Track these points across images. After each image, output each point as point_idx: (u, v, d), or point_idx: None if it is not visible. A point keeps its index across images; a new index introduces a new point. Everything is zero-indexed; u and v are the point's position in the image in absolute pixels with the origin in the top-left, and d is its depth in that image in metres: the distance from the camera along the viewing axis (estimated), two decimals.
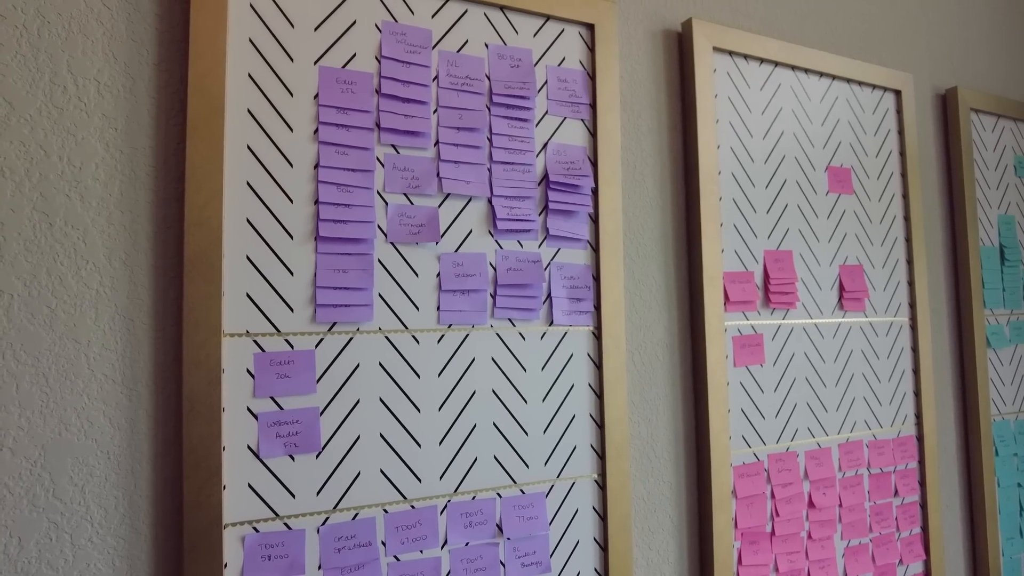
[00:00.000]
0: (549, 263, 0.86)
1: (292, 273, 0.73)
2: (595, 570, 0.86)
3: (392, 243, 0.78)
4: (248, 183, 0.72)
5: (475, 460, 0.80)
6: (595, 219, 0.90)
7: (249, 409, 0.70)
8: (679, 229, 1.00)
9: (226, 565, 0.68)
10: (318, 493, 0.72)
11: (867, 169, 1.20)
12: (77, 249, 0.66)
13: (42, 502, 0.64)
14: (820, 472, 1.07)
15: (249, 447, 0.70)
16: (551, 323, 0.86)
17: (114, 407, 0.67)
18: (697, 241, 0.99)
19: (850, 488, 1.10)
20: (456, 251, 0.81)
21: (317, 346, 0.73)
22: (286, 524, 0.70)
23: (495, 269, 0.83)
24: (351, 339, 0.75)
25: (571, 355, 0.87)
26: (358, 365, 0.75)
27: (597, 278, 0.89)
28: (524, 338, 0.84)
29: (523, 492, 0.82)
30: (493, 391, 0.82)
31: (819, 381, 1.09)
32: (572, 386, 0.87)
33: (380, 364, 0.76)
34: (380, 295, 0.77)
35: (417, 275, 0.79)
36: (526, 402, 0.84)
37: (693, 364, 0.99)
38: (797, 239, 1.10)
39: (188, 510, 0.66)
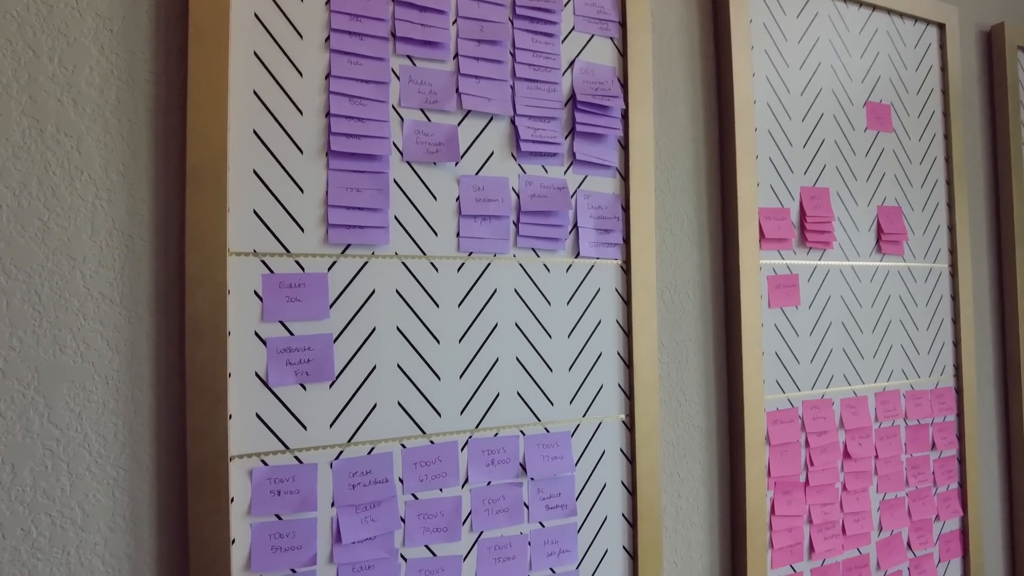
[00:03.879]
0: (576, 191, 0.80)
1: (302, 190, 0.67)
2: (623, 515, 0.82)
3: (408, 162, 0.72)
4: (255, 92, 0.66)
5: (497, 396, 0.75)
6: (624, 145, 0.84)
7: (257, 334, 0.65)
8: (712, 161, 0.94)
9: (232, 499, 0.63)
10: (331, 425, 0.67)
11: (907, 106, 1.13)
12: (71, 158, 0.61)
13: (36, 427, 0.59)
14: (856, 421, 1.01)
15: (257, 374, 0.65)
16: (577, 255, 0.80)
17: (112, 329, 0.62)
18: (732, 174, 0.93)
19: (886, 439, 1.04)
20: (477, 174, 0.75)
21: (330, 269, 0.68)
22: (297, 458, 0.66)
23: (518, 195, 0.77)
24: (366, 263, 0.69)
25: (598, 290, 0.82)
26: (373, 291, 0.70)
27: (626, 209, 0.83)
28: (548, 270, 0.79)
29: (547, 431, 0.78)
30: (516, 324, 0.77)
31: (855, 326, 1.04)
32: (599, 322, 0.81)
33: (397, 291, 0.71)
34: (396, 218, 0.71)
35: (435, 198, 0.73)
36: (551, 337, 0.78)
37: (726, 304, 0.93)
38: (834, 176, 1.04)
39: (192, 440, 0.61)
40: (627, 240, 0.83)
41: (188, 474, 0.61)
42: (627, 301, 0.83)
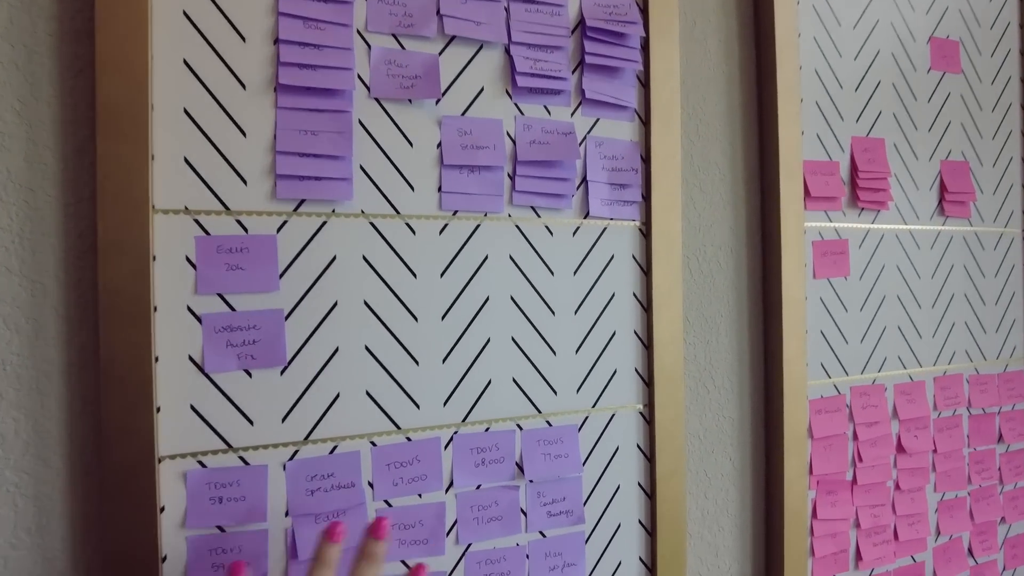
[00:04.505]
0: (585, 137, 0.67)
1: (244, 134, 0.55)
2: (640, 522, 0.69)
3: (377, 99, 0.59)
4: (185, 12, 0.53)
5: (488, 383, 0.63)
6: (645, 83, 0.70)
7: (190, 309, 0.53)
8: (749, 105, 0.79)
9: (163, 509, 0.52)
10: (284, 420, 0.56)
11: (979, 43, 0.96)
12: None
13: None
14: (911, 410, 0.87)
15: (191, 358, 0.53)
16: (586, 215, 0.67)
17: (11, 304, 0.50)
18: (772, 120, 0.78)
19: (946, 431, 0.90)
20: (463, 115, 0.62)
21: (279, 230, 0.56)
22: (242, 458, 0.54)
23: (514, 141, 0.63)
24: (324, 223, 0.57)
25: (612, 256, 0.68)
26: (334, 258, 0.57)
27: (647, 160, 0.70)
28: (552, 232, 0.65)
29: (550, 424, 0.65)
30: (512, 298, 0.64)
31: (912, 301, 0.89)
32: (612, 295, 0.68)
33: (364, 258, 0.58)
34: (362, 168, 0.58)
35: (411, 144, 0.60)
36: (554, 313, 0.66)
37: (764, 274, 0.79)
38: (891, 125, 0.88)
39: (110, 438, 0.50)
40: (647, 197, 0.69)
41: (106, 479, 0.50)
42: (647, 271, 0.70)
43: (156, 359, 0.52)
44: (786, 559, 0.77)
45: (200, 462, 0.53)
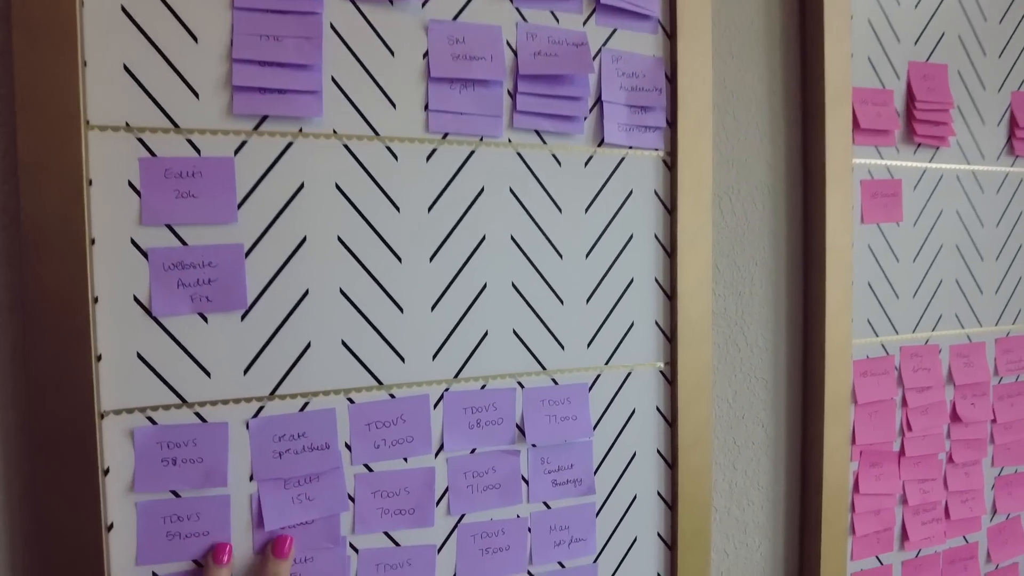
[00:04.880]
0: (600, 50, 0.57)
1: (195, 38, 0.47)
2: (658, 494, 0.62)
3: None
4: None
5: (485, 335, 0.55)
6: None
7: (135, 242, 0.46)
8: (792, 21, 0.68)
9: (108, 471, 0.45)
10: (246, 372, 0.48)
11: None
12: None
13: None
14: (969, 375, 0.78)
15: (137, 300, 0.46)
16: (601, 142, 0.58)
17: None
18: (818, 39, 0.67)
19: (1008, 399, 0.80)
20: (455, 19, 0.53)
21: (237, 152, 0.48)
22: (198, 414, 0.47)
23: (515, 52, 0.54)
24: (290, 144, 0.49)
25: (630, 191, 0.59)
26: (302, 185, 0.49)
27: (672, 80, 0.60)
28: (559, 162, 0.57)
29: (555, 382, 0.57)
30: (512, 238, 0.55)
31: (974, 251, 0.78)
32: (630, 237, 0.59)
33: (337, 186, 0.50)
34: (334, 79, 0.50)
35: (392, 53, 0.51)
36: (561, 257, 0.57)
37: (805, 217, 0.69)
38: (955, 49, 0.76)
39: (42, 390, 0.43)
40: (672, 123, 0.60)
41: (40, 437, 0.43)
42: (670, 209, 0.60)
43: (95, 300, 0.45)
44: (823, 538, 0.69)
45: (150, 418, 0.46)
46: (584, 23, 0.57)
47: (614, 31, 0.58)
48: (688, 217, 0.60)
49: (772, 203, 0.67)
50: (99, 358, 0.45)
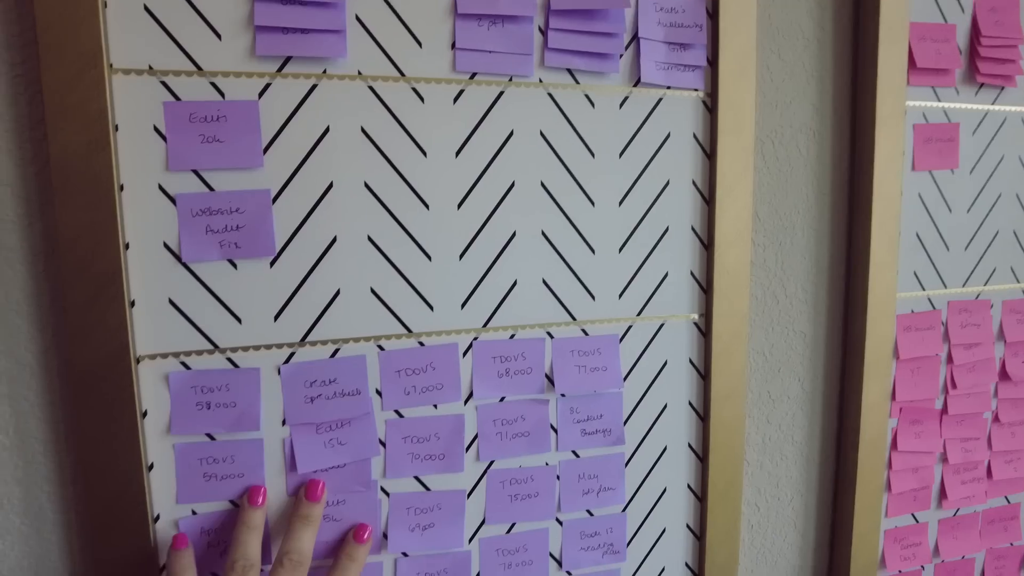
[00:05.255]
0: None
1: None
2: (689, 446, 0.61)
3: None
4: None
5: (514, 284, 0.54)
6: None
7: (162, 188, 0.46)
8: None
9: (145, 414, 0.47)
10: (276, 318, 0.48)
11: None
12: None
13: None
14: (1022, 332, 0.74)
15: (167, 246, 0.46)
16: (637, 81, 0.55)
17: None
18: None
19: None
20: None
21: (261, 95, 0.46)
22: (230, 360, 0.48)
23: None
24: (314, 87, 0.47)
25: (667, 134, 0.56)
26: (327, 129, 0.48)
27: (713, 16, 0.56)
28: (593, 103, 0.54)
29: (585, 333, 0.56)
30: (542, 184, 0.54)
31: None
32: (667, 183, 0.57)
33: (362, 129, 0.49)
34: (358, 18, 0.48)
35: None
36: (593, 204, 0.55)
37: (852, 163, 0.66)
38: None
39: (78, 334, 0.44)
40: (713, 63, 0.57)
41: (78, 380, 0.45)
42: (710, 154, 0.58)
43: (126, 246, 0.45)
44: (858, 494, 0.67)
45: (183, 363, 0.47)
46: None
47: None
48: (728, 162, 0.57)
49: (817, 148, 0.64)
50: (132, 304, 0.46)
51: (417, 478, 0.53)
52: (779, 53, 0.61)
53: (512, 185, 0.53)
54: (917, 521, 0.72)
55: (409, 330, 0.51)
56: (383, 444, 0.51)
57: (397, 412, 0.52)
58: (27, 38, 0.43)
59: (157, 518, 0.48)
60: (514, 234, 0.53)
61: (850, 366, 0.67)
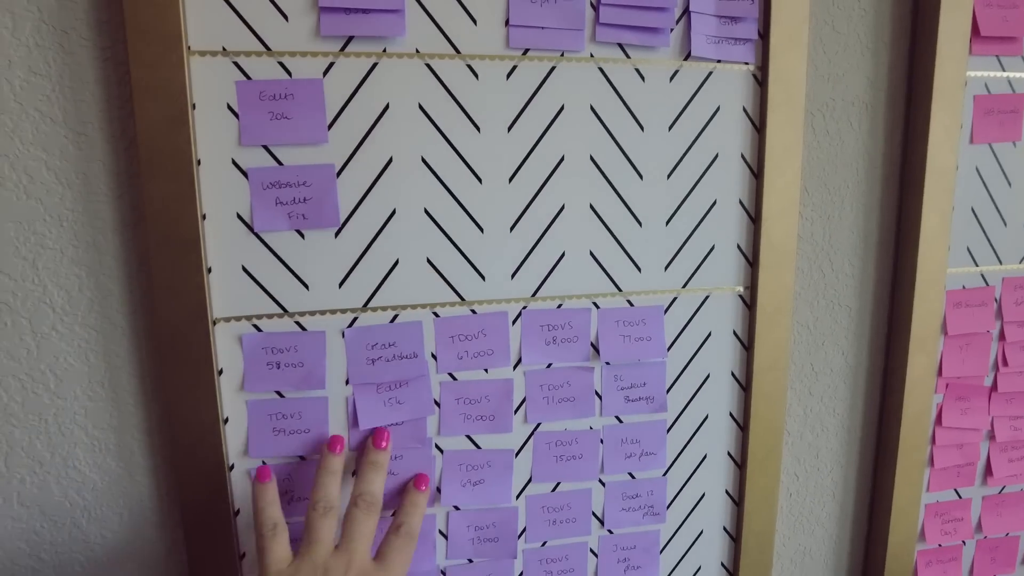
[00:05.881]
0: None
1: None
2: (731, 415, 0.62)
3: None
4: None
5: (562, 256, 0.56)
6: None
7: (235, 163, 0.49)
8: None
9: (221, 372, 0.51)
10: (340, 285, 0.52)
11: None
12: None
13: None
14: None
15: (240, 216, 0.49)
16: (687, 56, 0.55)
17: (59, 157, 0.48)
18: None
19: None
20: None
21: (325, 73, 0.49)
22: (298, 323, 0.51)
23: None
24: (375, 65, 0.50)
25: (717, 108, 0.57)
26: (387, 106, 0.50)
27: None
28: (643, 77, 0.55)
29: (631, 304, 0.58)
30: (591, 158, 0.55)
31: None
32: (715, 157, 0.58)
33: (420, 106, 0.51)
34: None
35: None
36: (642, 177, 0.56)
37: (906, 134, 0.65)
38: None
39: (162, 297, 0.48)
40: (764, 35, 0.56)
41: (162, 340, 0.49)
42: (759, 127, 0.58)
43: (203, 217, 0.49)
44: (899, 467, 0.68)
45: (255, 326, 0.51)
46: None
47: None
48: (777, 136, 0.58)
49: (870, 121, 0.63)
50: (209, 270, 0.49)
51: (469, 437, 0.56)
52: (833, 24, 0.61)
53: (562, 159, 0.54)
54: (960, 497, 0.72)
55: (462, 298, 0.54)
56: (438, 404, 0.55)
57: (451, 375, 0.55)
58: (115, 23, 0.47)
59: (232, 467, 0.52)
60: (563, 207, 0.55)
61: (895, 341, 0.67)
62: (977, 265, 0.68)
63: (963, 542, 0.74)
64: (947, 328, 0.68)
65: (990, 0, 0.63)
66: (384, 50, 0.50)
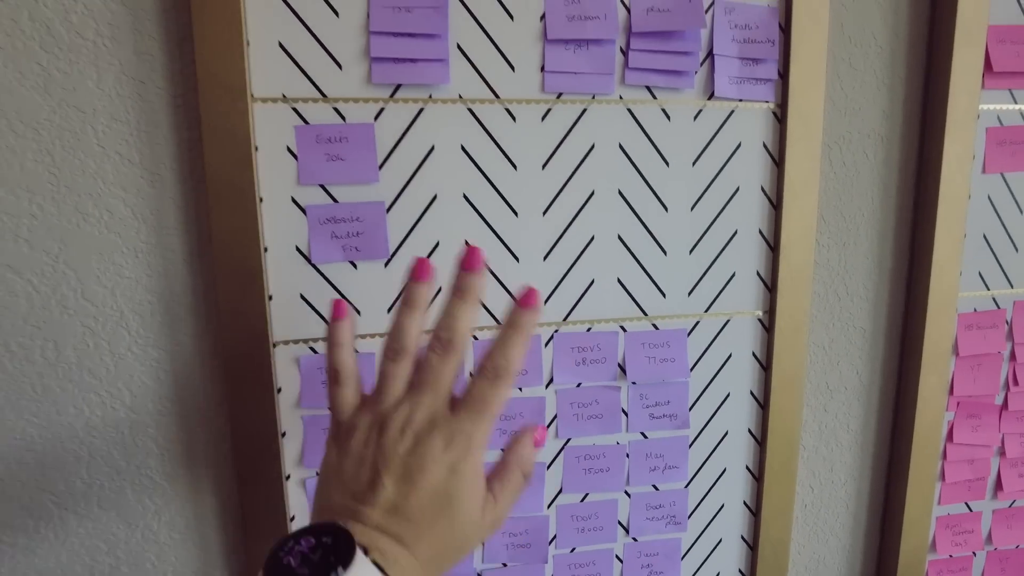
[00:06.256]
0: (712, 2, 0.57)
1: (337, 13, 0.52)
2: (748, 431, 0.66)
3: None
4: None
5: (591, 283, 0.60)
6: None
7: (294, 200, 0.53)
8: None
9: (280, 390, 0.55)
10: (389, 310, 0.56)
11: None
12: None
13: (72, 304, 0.53)
14: None
15: (298, 249, 0.54)
16: (711, 95, 0.59)
17: (135, 194, 0.53)
18: None
19: None
20: None
21: (376, 118, 0.53)
22: None
23: (628, 10, 0.56)
24: (421, 110, 0.54)
25: (738, 144, 0.60)
26: (432, 148, 0.55)
27: (785, 29, 0.59)
28: (669, 116, 0.58)
29: (656, 327, 0.62)
30: (620, 192, 0.59)
31: None
32: (736, 190, 0.61)
33: (462, 147, 0.55)
34: (459, 47, 0.54)
35: (512, 17, 0.54)
36: (667, 210, 0.60)
37: (919, 166, 0.68)
38: None
39: (227, 322, 0.53)
40: (784, 75, 0.60)
41: (225, 359, 0.54)
42: (778, 161, 0.61)
43: (265, 249, 0.53)
44: (911, 481, 0.71)
45: (311, 348, 0.55)
46: None
47: None
48: (796, 169, 0.61)
49: (885, 153, 0.66)
50: (270, 298, 0.54)
51: (503, 451, 0.60)
52: (850, 62, 0.64)
53: (592, 193, 0.58)
54: (971, 509, 0.75)
55: (498, 322, 0.58)
56: None
57: None
58: (186, 74, 0.51)
59: (288, 477, 0.57)
60: (593, 237, 0.59)
61: (907, 361, 0.70)
62: (988, 289, 0.71)
63: (973, 553, 0.77)
64: (959, 349, 0.71)
65: (1003, 36, 0.66)
66: (430, 96, 0.54)
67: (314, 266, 0.54)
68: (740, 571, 0.69)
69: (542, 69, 0.55)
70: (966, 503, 0.75)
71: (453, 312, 0.40)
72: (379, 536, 0.36)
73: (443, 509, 0.38)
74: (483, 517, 0.40)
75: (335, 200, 0.54)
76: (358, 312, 0.56)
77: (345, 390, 0.42)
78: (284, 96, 0.52)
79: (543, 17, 0.54)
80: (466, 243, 0.48)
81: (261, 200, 0.53)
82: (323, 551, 0.32)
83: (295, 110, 0.52)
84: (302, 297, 0.55)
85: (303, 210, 0.53)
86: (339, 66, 0.52)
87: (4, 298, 0.52)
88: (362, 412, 0.41)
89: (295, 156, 0.53)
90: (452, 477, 0.38)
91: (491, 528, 0.41)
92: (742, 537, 0.68)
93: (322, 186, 0.53)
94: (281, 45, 0.51)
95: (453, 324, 0.40)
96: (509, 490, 0.42)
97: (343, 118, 0.53)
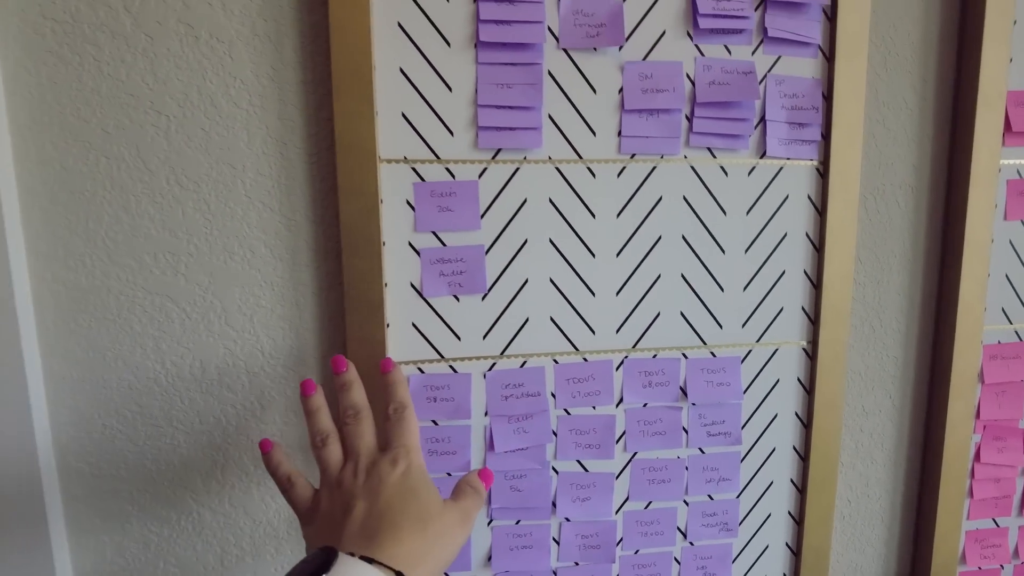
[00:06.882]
0: (765, 76, 0.67)
1: (450, 88, 0.62)
2: (793, 448, 0.74)
3: (565, 49, 0.63)
4: None
5: (657, 315, 0.68)
6: (831, 16, 0.67)
7: (411, 244, 0.63)
8: (948, 30, 0.73)
9: None
10: (484, 337, 0.65)
11: None
12: (224, 64, 0.60)
13: (216, 328, 0.63)
14: None
15: (412, 285, 0.64)
16: (763, 155, 0.68)
17: (274, 236, 0.63)
18: (976, 43, 0.72)
19: None
20: (644, 59, 0.64)
21: (480, 176, 0.63)
22: (451, 367, 0.65)
23: (693, 83, 0.65)
24: (517, 169, 0.64)
25: (786, 196, 0.69)
26: (525, 200, 0.64)
27: (828, 97, 0.68)
28: (726, 173, 0.68)
29: (713, 355, 0.70)
30: (683, 237, 0.68)
31: None
32: (784, 235, 0.70)
33: (550, 200, 0.65)
34: (550, 116, 0.63)
35: (595, 91, 0.64)
36: (724, 252, 0.69)
37: (946, 214, 0.76)
38: None
39: (352, 347, 0.62)
40: (826, 136, 0.69)
41: None
42: (821, 211, 0.70)
43: (385, 285, 0.63)
44: (941, 497, 0.78)
45: (420, 368, 0.65)
46: (753, 53, 0.66)
47: (779, 58, 0.67)
48: (836, 217, 0.70)
49: (915, 202, 0.75)
50: (388, 326, 0.64)
51: (579, 461, 0.69)
52: (884, 122, 0.73)
53: (659, 238, 0.67)
54: (998, 525, 0.82)
55: (576, 348, 0.67)
56: (555, 434, 0.68)
57: (566, 410, 0.68)
58: (321, 136, 0.62)
59: None
60: (659, 276, 0.68)
61: (936, 387, 0.78)
62: (1011, 323, 0.79)
63: (1001, 566, 0.83)
64: (984, 377, 0.78)
65: (1020, 100, 0.75)
66: (524, 158, 0.63)
67: (425, 299, 0.64)
68: (784, 575, 0.76)
69: (619, 134, 0.65)
70: (993, 519, 0.82)
71: (345, 396, 0.57)
72: (362, 540, 0.47)
73: (409, 498, 0.50)
74: (445, 506, 0.51)
75: (444, 244, 0.63)
76: (458, 338, 0.65)
77: (332, 448, 0.55)
78: (405, 158, 0.62)
79: (621, 90, 0.64)
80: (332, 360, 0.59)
81: (384, 244, 0.62)
82: (311, 569, 0.41)
83: (414, 169, 0.62)
84: (413, 325, 0.64)
85: (417, 252, 0.63)
86: (451, 133, 0.62)
87: (163, 323, 0.63)
88: (320, 492, 0.54)
89: (413, 208, 0.62)
90: (407, 474, 0.52)
91: (461, 517, 0.52)
92: (787, 544, 0.76)
93: (434, 232, 0.63)
94: (404, 115, 0.61)
95: (350, 401, 0.56)
96: (467, 493, 0.54)
97: (453, 176, 0.63)
